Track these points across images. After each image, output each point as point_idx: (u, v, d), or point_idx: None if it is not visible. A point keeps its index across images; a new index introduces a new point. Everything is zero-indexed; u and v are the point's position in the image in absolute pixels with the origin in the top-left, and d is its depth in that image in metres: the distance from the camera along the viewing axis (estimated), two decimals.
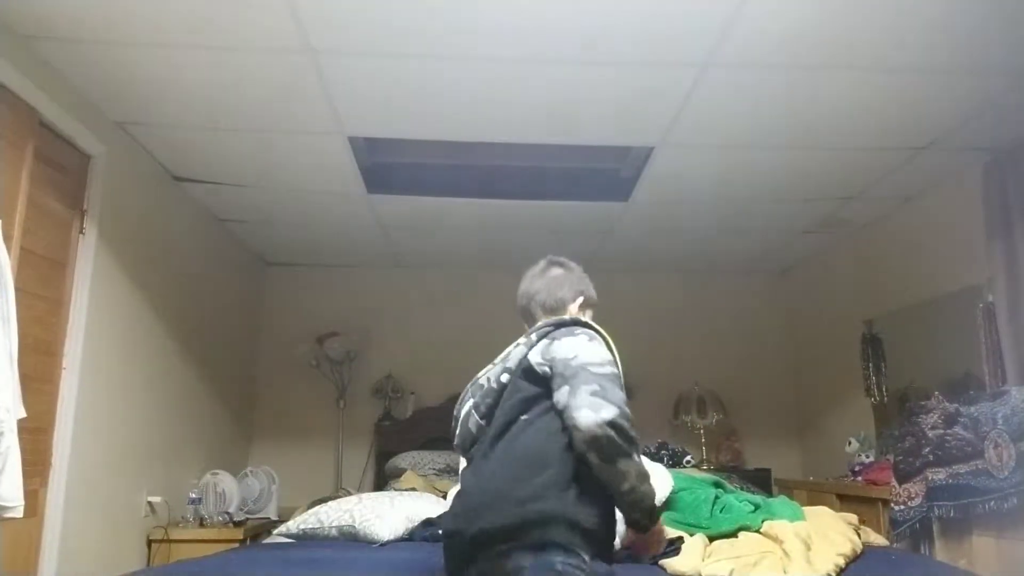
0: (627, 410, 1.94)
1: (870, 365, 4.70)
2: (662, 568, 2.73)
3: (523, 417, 2.06)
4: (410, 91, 3.21)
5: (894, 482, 3.30)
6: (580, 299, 2.42)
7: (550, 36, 2.80)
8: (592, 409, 1.89)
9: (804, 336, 5.89)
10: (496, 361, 2.25)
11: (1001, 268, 3.46)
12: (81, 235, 3.30)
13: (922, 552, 3.16)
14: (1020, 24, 2.67)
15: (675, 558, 2.75)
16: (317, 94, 3.21)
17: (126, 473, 3.73)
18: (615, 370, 2.03)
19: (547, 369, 2.05)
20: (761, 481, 5.03)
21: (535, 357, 2.08)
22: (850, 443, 4.51)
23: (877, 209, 4.56)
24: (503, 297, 5.67)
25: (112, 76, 3.10)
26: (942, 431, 3.09)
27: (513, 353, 2.18)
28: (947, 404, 3.16)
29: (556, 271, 2.43)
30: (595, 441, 1.88)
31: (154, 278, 3.97)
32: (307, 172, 4.12)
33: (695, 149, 3.77)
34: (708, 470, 4.90)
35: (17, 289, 2.54)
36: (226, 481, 4.41)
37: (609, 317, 6.46)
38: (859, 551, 2.95)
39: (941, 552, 3.06)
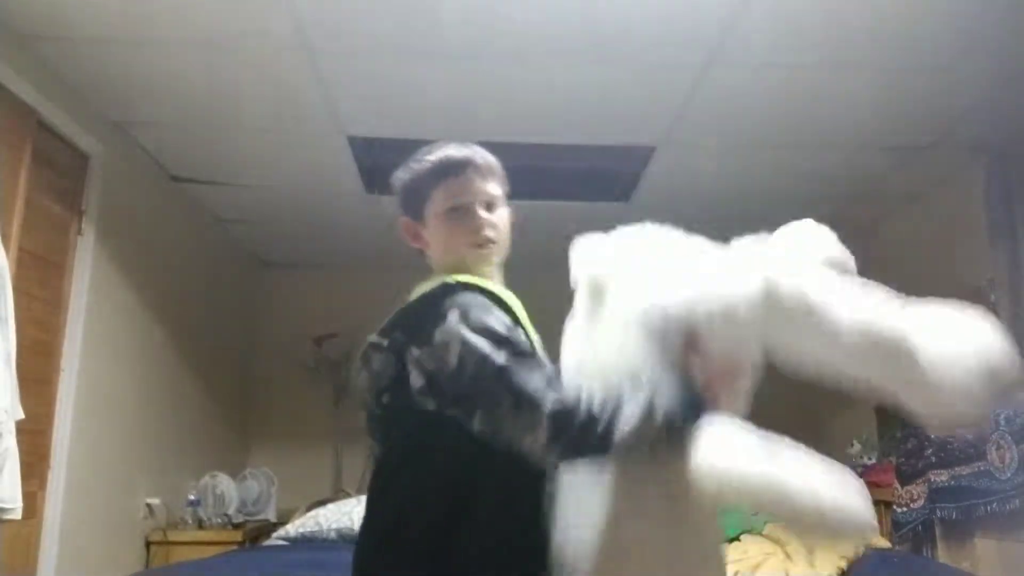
0: (561, 403, 1.36)
1: None
2: None
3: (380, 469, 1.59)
4: (409, 91, 3.20)
5: (896, 484, 3.30)
6: (406, 221, 1.72)
7: (551, 36, 2.80)
8: (528, 434, 1.37)
9: None
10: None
11: (1004, 268, 3.45)
12: (79, 235, 3.29)
13: (924, 554, 3.16)
14: (1023, 23, 2.67)
15: None
16: (316, 94, 3.20)
17: (125, 475, 3.72)
18: (519, 340, 1.46)
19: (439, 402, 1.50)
20: None
21: (419, 383, 1.48)
22: (852, 445, 4.50)
23: (880, 208, 4.56)
24: None
25: (110, 76, 3.09)
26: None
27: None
28: None
29: None
30: (562, 456, 1.40)
31: (152, 279, 3.96)
32: (306, 172, 4.11)
33: (697, 149, 3.77)
34: None
35: (15, 290, 2.54)
36: (225, 483, 4.40)
37: None
38: (861, 553, 2.95)
39: (943, 554, 3.06)
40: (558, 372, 1.41)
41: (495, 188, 1.61)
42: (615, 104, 3.32)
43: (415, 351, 1.40)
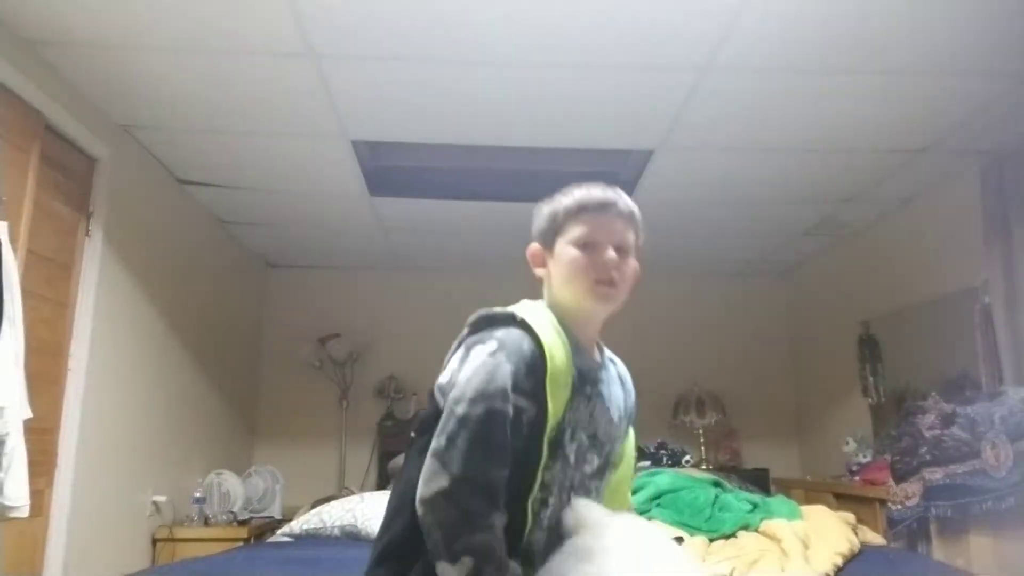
0: (478, 481, 1.34)
1: (867, 366, 4.72)
2: None
3: (412, 434, 1.58)
4: (412, 95, 3.23)
5: (891, 482, 3.31)
6: (535, 247, 1.66)
7: (551, 40, 2.82)
8: (423, 478, 1.37)
9: (802, 337, 5.91)
10: None
11: (998, 270, 3.48)
12: (87, 237, 3.33)
13: (919, 551, 3.17)
14: (1018, 27, 2.69)
15: None
16: (320, 98, 3.24)
17: (131, 473, 3.76)
18: (501, 406, 1.39)
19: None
20: (759, 481, 5.05)
21: (443, 379, 1.52)
22: (847, 443, 4.52)
23: (875, 211, 4.58)
24: (504, 299, 5.69)
25: (117, 80, 3.13)
26: (939, 431, 3.11)
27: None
28: (944, 405, 3.18)
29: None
30: (422, 527, 1.36)
31: (159, 280, 4.00)
32: (310, 175, 4.14)
33: (694, 152, 3.80)
34: (707, 470, 4.92)
35: (23, 291, 2.57)
36: (230, 480, 4.44)
37: (609, 318, 6.49)
38: (856, 550, 2.97)
39: (938, 551, 3.07)
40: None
41: (630, 236, 1.62)
42: (614, 108, 3.34)
43: (461, 350, 1.52)
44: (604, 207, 1.58)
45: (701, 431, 5.60)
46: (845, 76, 3.05)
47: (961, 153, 3.69)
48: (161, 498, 4.00)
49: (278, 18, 2.67)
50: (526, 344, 1.46)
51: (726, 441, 5.76)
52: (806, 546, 2.90)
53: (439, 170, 4.28)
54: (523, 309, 1.55)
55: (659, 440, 5.47)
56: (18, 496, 2.40)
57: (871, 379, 4.70)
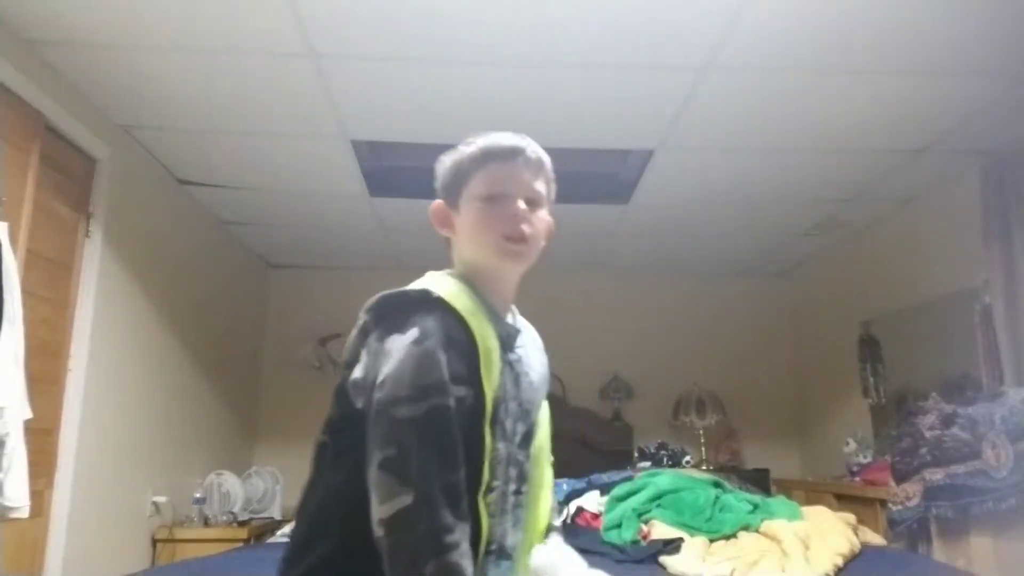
0: (442, 492, 1.19)
1: (867, 366, 4.73)
2: (663, 567, 2.75)
3: (323, 438, 1.40)
4: (412, 95, 3.23)
5: (892, 482, 3.31)
6: (438, 204, 1.53)
7: (551, 40, 2.83)
8: (379, 495, 1.20)
9: (803, 337, 5.91)
10: None
11: (998, 270, 3.48)
12: (86, 238, 3.33)
13: (920, 552, 3.17)
14: (1018, 27, 2.69)
15: (676, 557, 2.78)
16: (320, 98, 3.24)
17: (131, 473, 3.76)
18: (443, 400, 1.24)
19: (364, 401, 1.31)
20: (760, 481, 5.05)
21: (357, 375, 1.34)
22: (848, 443, 4.53)
23: (875, 211, 4.59)
24: None
25: (117, 80, 3.13)
26: (939, 432, 3.11)
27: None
28: (944, 405, 3.18)
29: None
30: (382, 550, 1.19)
31: (159, 280, 4.00)
32: (310, 175, 4.14)
33: (694, 152, 3.80)
34: (707, 470, 4.92)
35: (23, 291, 2.57)
36: (230, 481, 4.44)
37: (610, 318, 6.49)
38: (857, 551, 2.98)
39: (939, 552, 3.07)
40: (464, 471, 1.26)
41: (541, 186, 1.49)
42: (614, 108, 3.34)
43: (371, 340, 1.34)
44: (511, 154, 1.46)
45: (701, 431, 5.60)
46: (845, 76, 3.05)
47: (961, 153, 3.69)
48: (161, 498, 4.00)
49: (278, 18, 2.67)
50: (452, 326, 1.31)
51: (726, 441, 5.75)
52: (806, 547, 2.90)
53: None
54: (435, 284, 1.39)
55: (659, 440, 5.47)
56: (18, 496, 2.40)
57: (871, 379, 4.70)
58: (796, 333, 6.01)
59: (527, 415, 1.48)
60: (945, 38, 2.77)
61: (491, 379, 1.33)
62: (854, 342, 4.84)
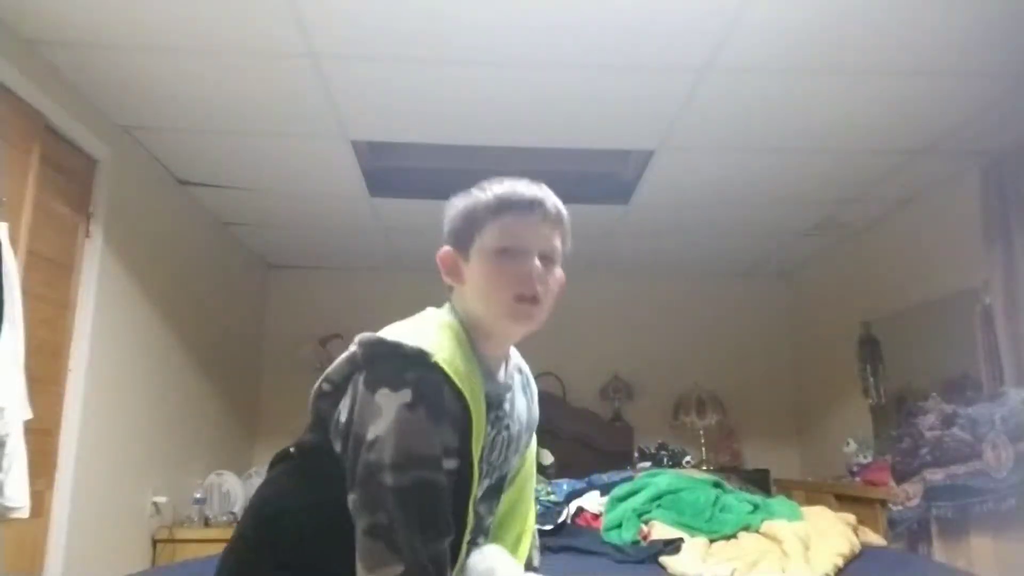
0: (431, 563, 1.19)
1: (867, 366, 4.73)
2: (663, 567, 2.75)
3: (291, 451, 1.44)
4: (413, 95, 3.23)
5: (892, 482, 3.31)
6: (447, 250, 1.49)
7: (551, 41, 2.83)
8: (367, 562, 1.19)
9: (803, 338, 5.91)
10: None
11: (998, 271, 3.48)
12: (87, 238, 3.33)
13: (920, 552, 3.17)
14: (1018, 28, 2.69)
15: (676, 557, 2.78)
16: (321, 98, 3.24)
17: (131, 474, 3.76)
18: (434, 476, 1.23)
19: (342, 446, 1.31)
20: (760, 481, 5.05)
21: (341, 417, 1.32)
22: (848, 444, 4.53)
23: (875, 212, 4.59)
24: None
25: (117, 80, 3.13)
26: (940, 432, 3.11)
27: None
28: (945, 405, 3.17)
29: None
30: None
31: (159, 280, 4.00)
32: (310, 176, 4.14)
33: (694, 152, 3.80)
34: (707, 470, 4.92)
35: (24, 292, 2.57)
36: (230, 481, 4.45)
37: (610, 318, 6.49)
38: (857, 551, 2.97)
39: (939, 552, 3.07)
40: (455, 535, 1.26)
41: (558, 242, 1.42)
42: (614, 108, 3.34)
43: (360, 384, 1.29)
44: (530, 207, 1.38)
45: (702, 432, 5.60)
46: (845, 76, 3.05)
47: (961, 154, 3.69)
48: (161, 499, 4.00)
49: (278, 18, 2.67)
50: (447, 394, 1.25)
51: (727, 442, 5.75)
52: (807, 547, 2.90)
53: (439, 170, 4.28)
54: (436, 334, 1.33)
55: (659, 441, 5.47)
56: (18, 497, 2.40)
57: (872, 380, 4.70)
58: (796, 333, 6.01)
59: (493, 470, 1.46)
60: (945, 38, 2.77)
61: (478, 450, 1.31)
62: (854, 342, 4.84)
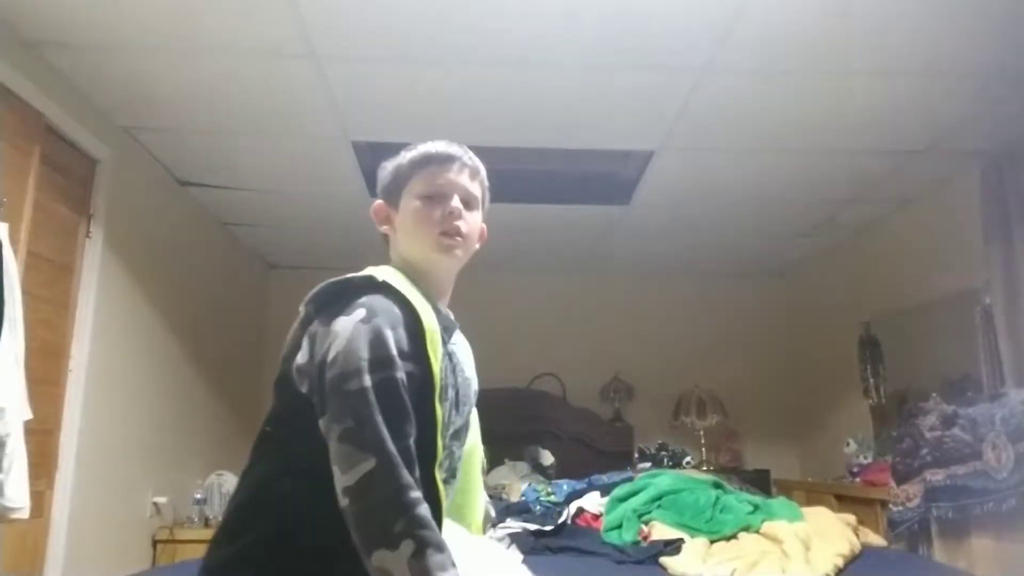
0: (401, 454, 1.24)
1: (868, 367, 4.72)
2: (663, 568, 2.75)
3: (267, 428, 1.45)
4: (413, 96, 3.24)
5: (892, 483, 3.31)
6: (379, 203, 1.63)
7: (551, 41, 2.83)
8: (341, 466, 1.24)
9: (803, 338, 5.91)
10: None
11: (998, 271, 3.48)
12: (87, 239, 3.33)
13: (920, 553, 3.17)
14: (1017, 28, 2.69)
15: (676, 558, 2.78)
16: (321, 99, 3.24)
17: (132, 474, 3.76)
18: (394, 373, 1.30)
19: (308, 384, 1.35)
20: (760, 482, 5.05)
21: (300, 360, 1.38)
22: (848, 444, 4.53)
23: (875, 212, 4.59)
24: (505, 299, 5.70)
25: (118, 81, 3.13)
26: (940, 432, 3.11)
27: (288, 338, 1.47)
28: (945, 406, 3.18)
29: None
30: (349, 520, 1.23)
31: (159, 281, 4.00)
32: (311, 176, 4.14)
33: (694, 153, 3.80)
34: (708, 471, 4.92)
35: (24, 292, 2.57)
36: (231, 482, 4.43)
37: (610, 318, 6.47)
38: (857, 551, 2.97)
39: (940, 553, 3.07)
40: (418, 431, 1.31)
41: (476, 189, 1.59)
42: (615, 109, 3.35)
43: (314, 326, 1.40)
44: (449, 159, 1.55)
45: (702, 432, 5.60)
46: (845, 77, 3.06)
47: (961, 154, 3.69)
48: (162, 499, 4.00)
49: (278, 19, 2.68)
50: (396, 307, 1.37)
51: (727, 442, 5.76)
52: (807, 547, 2.90)
53: None
54: (378, 273, 1.45)
55: (660, 441, 5.47)
56: (18, 497, 2.40)
57: (872, 380, 4.70)
58: (796, 334, 6.00)
59: (462, 407, 1.53)
60: (945, 39, 2.77)
61: (437, 357, 1.38)
62: (854, 343, 4.84)
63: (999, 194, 3.52)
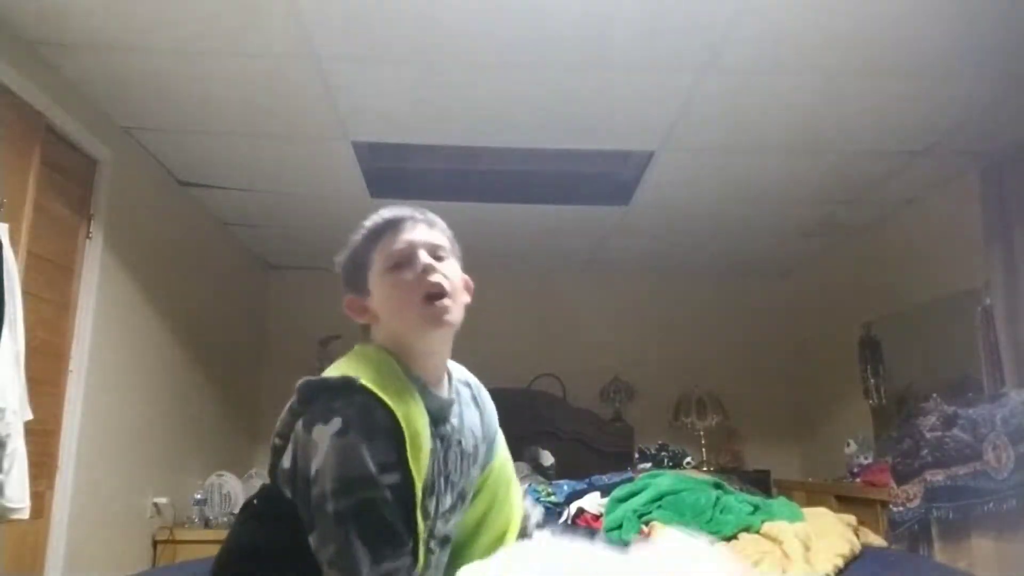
0: None
1: (868, 368, 4.72)
2: None
3: (253, 499, 1.46)
4: (413, 96, 3.24)
5: (892, 483, 3.31)
6: (349, 298, 1.55)
7: (551, 42, 2.83)
8: None
9: (803, 338, 5.91)
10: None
11: (999, 271, 3.48)
12: (88, 239, 3.32)
13: (921, 553, 3.17)
14: (1017, 29, 2.69)
15: None
16: (321, 99, 3.24)
17: (132, 474, 3.76)
18: (372, 494, 1.24)
19: (292, 491, 1.33)
20: (760, 482, 5.05)
21: (286, 464, 1.34)
22: (848, 444, 4.52)
23: (876, 212, 4.58)
24: (505, 300, 5.70)
25: (118, 81, 3.13)
26: (940, 433, 3.11)
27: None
28: (945, 406, 3.17)
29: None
30: None
31: (160, 281, 4.00)
32: (311, 176, 4.15)
33: (694, 153, 3.80)
34: (708, 471, 4.91)
35: (24, 292, 2.57)
36: (231, 482, 4.44)
37: (611, 319, 6.47)
38: (857, 552, 2.97)
39: (940, 553, 3.07)
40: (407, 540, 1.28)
41: (439, 239, 1.47)
42: (614, 110, 3.35)
43: (299, 429, 1.32)
44: (399, 221, 1.45)
45: (702, 433, 5.60)
46: (845, 77, 3.05)
47: (961, 154, 3.69)
48: (162, 500, 4.00)
49: (279, 20, 2.68)
50: (377, 414, 1.28)
51: (727, 443, 5.75)
52: (807, 548, 2.89)
53: (440, 171, 4.28)
54: (359, 364, 1.36)
55: (660, 442, 5.46)
56: (19, 498, 2.40)
57: (872, 381, 4.70)
58: (796, 334, 6.00)
59: (453, 486, 1.48)
60: (945, 39, 2.77)
61: (419, 465, 1.32)
62: (855, 343, 4.84)
63: (999, 194, 3.52)
